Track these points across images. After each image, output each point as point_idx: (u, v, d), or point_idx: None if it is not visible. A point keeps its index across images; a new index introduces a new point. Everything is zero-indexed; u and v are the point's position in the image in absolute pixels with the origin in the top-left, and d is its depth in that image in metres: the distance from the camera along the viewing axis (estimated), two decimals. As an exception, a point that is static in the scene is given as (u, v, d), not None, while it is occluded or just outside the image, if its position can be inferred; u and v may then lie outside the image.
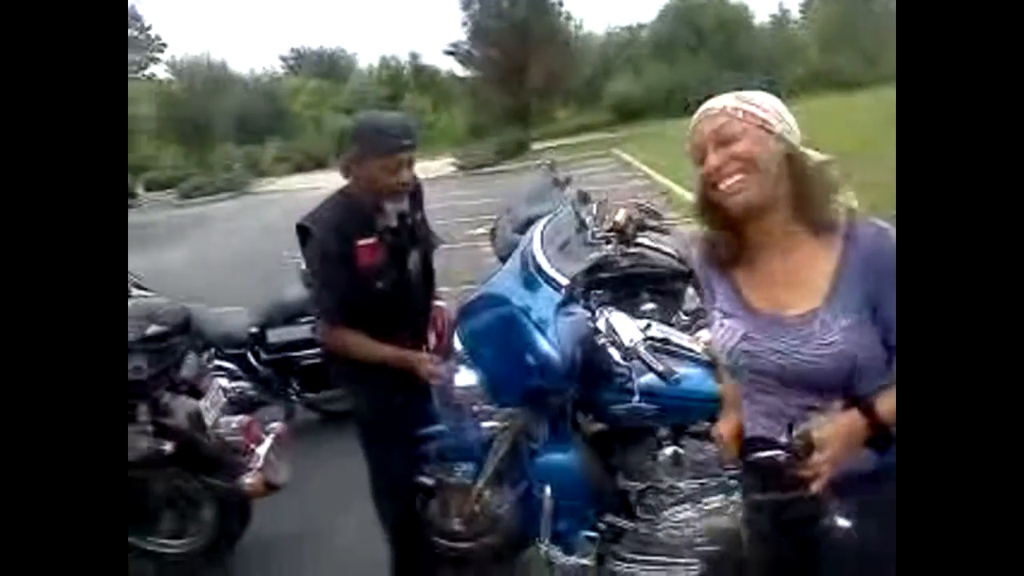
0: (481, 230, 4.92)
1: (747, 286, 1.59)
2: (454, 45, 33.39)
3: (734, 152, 1.45)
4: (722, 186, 1.47)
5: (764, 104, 1.49)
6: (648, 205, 4.48)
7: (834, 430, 1.42)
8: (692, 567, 2.49)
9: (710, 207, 1.55)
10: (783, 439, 1.47)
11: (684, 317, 3.79)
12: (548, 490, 2.52)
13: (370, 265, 2.55)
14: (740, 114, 1.46)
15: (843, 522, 1.46)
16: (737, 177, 1.45)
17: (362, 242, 2.53)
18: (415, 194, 2.77)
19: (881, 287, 1.41)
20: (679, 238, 4.36)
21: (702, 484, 2.48)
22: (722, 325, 1.61)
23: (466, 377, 2.62)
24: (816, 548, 1.58)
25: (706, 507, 2.47)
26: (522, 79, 30.42)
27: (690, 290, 3.91)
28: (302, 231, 2.58)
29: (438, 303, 2.93)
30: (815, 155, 1.51)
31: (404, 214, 2.68)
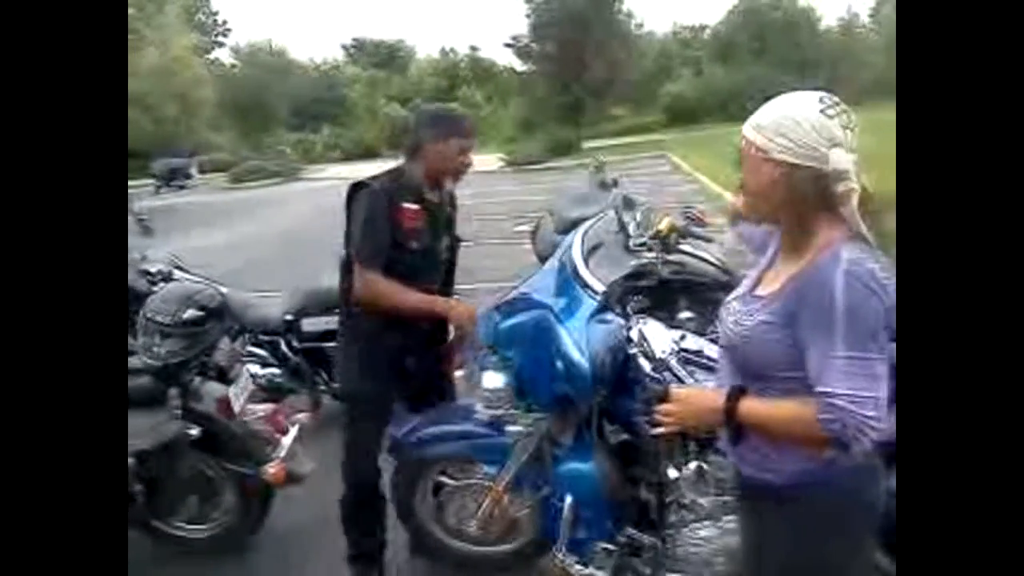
0: (524, 227, 4.86)
1: (769, 263, 1.75)
2: (514, 39, 33.37)
3: (749, 180, 1.62)
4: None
5: (768, 127, 1.55)
6: (694, 212, 4.39)
7: (690, 395, 1.69)
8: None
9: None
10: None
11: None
12: (569, 498, 2.48)
13: (411, 228, 2.76)
14: (744, 143, 1.60)
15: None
16: (750, 202, 1.67)
17: (407, 205, 2.75)
18: (451, 195, 3.00)
19: (803, 310, 1.51)
20: (723, 246, 4.27)
21: (724, 502, 2.41)
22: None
23: (493, 379, 2.58)
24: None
25: (726, 526, 2.39)
26: (579, 76, 30.26)
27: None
28: (354, 188, 2.80)
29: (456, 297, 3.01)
30: (838, 160, 1.50)
31: (446, 201, 2.95)
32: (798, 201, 1.55)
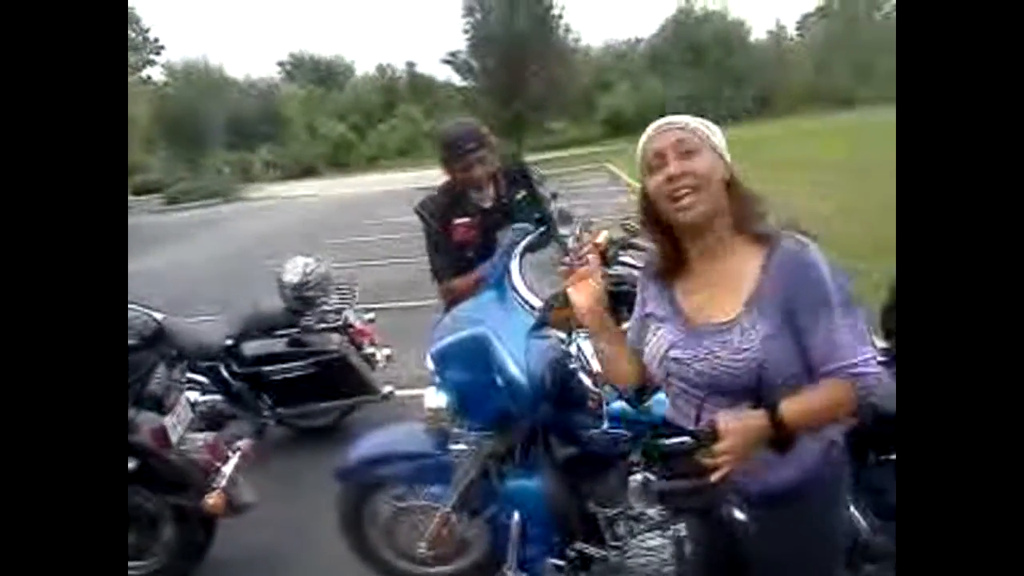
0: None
1: (684, 295, 1.70)
2: (452, 54, 33.49)
3: (692, 166, 1.57)
4: (676, 203, 1.58)
5: (715, 130, 1.64)
6: (633, 224, 4.45)
7: (738, 424, 1.52)
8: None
9: (656, 219, 1.67)
10: (691, 427, 1.60)
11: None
12: (516, 515, 2.47)
13: (464, 241, 3.15)
14: (700, 133, 1.60)
15: (739, 515, 1.56)
16: (691, 194, 1.56)
17: (457, 222, 3.16)
18: (520, 175, 3.28)
19: (796, 297, 1.53)
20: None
21: (671, 511, 2.43)
22: (655, 333, 1.72)
23: (436, 399, 2.57)
24: (717, 537, 1.73)
25: (676, 535, 2.42)
26: (519, 91, 30.47)
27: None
28: (416, 210, 3.26)
29: None
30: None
31: (500, 196, 3.20)
32: (733, 202, 1.61)
